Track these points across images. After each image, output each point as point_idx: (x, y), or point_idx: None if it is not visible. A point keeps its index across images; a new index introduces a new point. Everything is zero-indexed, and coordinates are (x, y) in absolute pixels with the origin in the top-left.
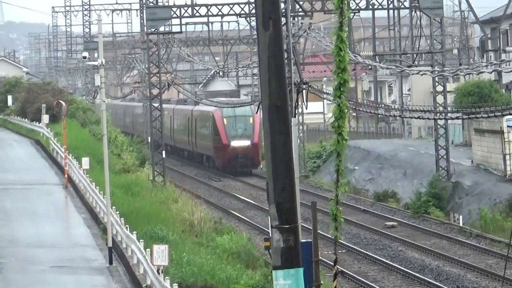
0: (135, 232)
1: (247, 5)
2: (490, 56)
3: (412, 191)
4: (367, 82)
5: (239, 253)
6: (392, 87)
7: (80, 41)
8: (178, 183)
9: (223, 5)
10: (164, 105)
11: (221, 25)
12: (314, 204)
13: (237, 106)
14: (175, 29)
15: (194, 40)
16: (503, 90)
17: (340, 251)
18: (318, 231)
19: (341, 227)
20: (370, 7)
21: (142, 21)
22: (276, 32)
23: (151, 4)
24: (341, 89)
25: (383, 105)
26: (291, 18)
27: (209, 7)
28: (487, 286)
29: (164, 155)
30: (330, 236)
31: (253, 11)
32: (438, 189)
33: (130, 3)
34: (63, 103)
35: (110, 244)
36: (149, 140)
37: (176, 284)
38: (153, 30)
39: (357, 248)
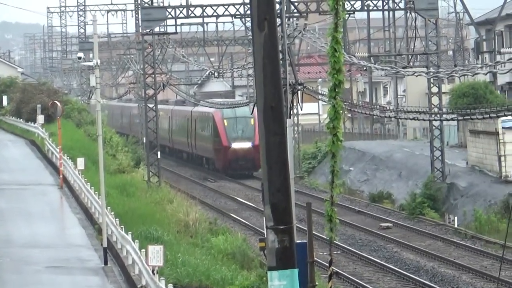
0: (130, 232)
1: (242, 6)
2: (485, 57)
3: (407, 192)
4: (362, 83)
5: (234, 254)
6: (387, 88)
7: (75, 42)
8: (173, 183)
9: (218, 5)
10: (162, 106)
11: (216, 26)
12: (309, 205)
13: (237, 106)
14: (170, 29)
15: (189, 41)
16: (498, 92)
17: (335, 252)
18: (313, 232)
19: (336, 228)
20: (365, 8)
21: (137, 21)
22: (271, 33)
23: (146, 4)
24: (336, 90)
25: (378, 106)
26: (286, 19)
27: (204, 7)
28: (482, 287)
29: (159, 156)
30: (325, 237)
31: (248, 12)
32: (433, 190)
33: (125, 4)
34: (58, 104)
35: (105, 244)
36: (144, 141)
37: (171, 285)
38: (148, 30)
39: (352, 249)
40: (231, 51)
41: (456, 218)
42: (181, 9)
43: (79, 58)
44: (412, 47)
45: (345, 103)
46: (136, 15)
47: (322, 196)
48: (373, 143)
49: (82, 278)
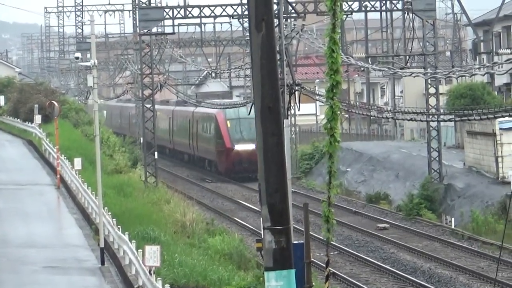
0: (127, 232)
1: (239, 7)
2: (483, 58)
3: (404, 193)
4: (360, 84)
5: (231, 254)
6: (384, 89)
7: (73, 42)
8: (171, 184)
9: (215, 6)
10: (163, 107)
11: (214, 26)
12: (306, 205)
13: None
14: (168, 30)
15: (187, 41)
16: (496, 93)
17: (332, 253)
18: (310, 232)
19: (333, 228)
20: (363, 9)
21: (134, 22)
22: (268, 33)
23: (143, 5)
24: (334, 91)
25: (375, 107)
26: (284, 20)
27: (201, 8)
28: None
29: (156, 156)
30: (322, 238)
31: (246, 12)
32: (430, 191)
33: (122, 4)
34: (56, 104)
35: (102, 244)
36: (142, 141)
37: (168, 285)
38: (145, 31)
39: (349, 250)
40: (228, 52)
41: (453, 219)
42: (178, 9)
43: (77, 58)
44: (410, 48)
45: (343, 104)
46: (134, 16)
47: (319, 196)
48: (370, 144)
49: (79, 278)
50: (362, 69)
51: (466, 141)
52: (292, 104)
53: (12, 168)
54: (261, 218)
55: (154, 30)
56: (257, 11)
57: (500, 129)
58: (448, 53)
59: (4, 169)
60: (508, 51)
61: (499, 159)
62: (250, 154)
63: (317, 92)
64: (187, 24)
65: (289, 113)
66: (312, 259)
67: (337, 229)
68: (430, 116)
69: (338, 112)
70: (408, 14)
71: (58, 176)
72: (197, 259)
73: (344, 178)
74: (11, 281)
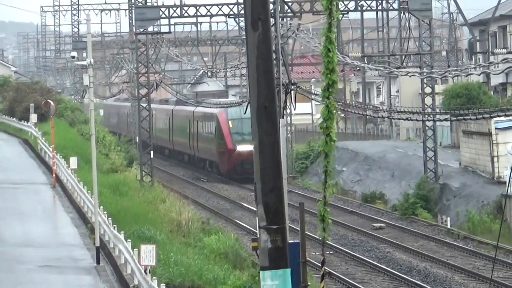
0: (122, 232)
1: (236, 6)
2: (479, 58)
3: (400, 193)
4: (356, 83)
5: (226, 254)
6: (380, 88)
7: (69, 41)
8: (166, 183)
9: (212, 5)
10: (162, 106)
11: (210, 26)
12: (302, 205)
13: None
14: (164, 29)
15: (183, 40)
16: (492, 92)
17: (327, 252)
18: (306, 232)
19: (329, 228)
20: (359, 8)
21: (130, 21)
22: (264, 32)
23: (139, 4)
24: (330, 90)
25: (371, 106)
26: (280, 19)
27: (198, 7)
28: (475, 287)
29: (152, 155)
30: (317, 237)
31: (242, 11)
32: (426, 191)
33: (119, 3)
34: (52, 103)
35: (97, 243)
36: (137, 140)
37: (164, 284)
38: (141, 30)
39: (345, 249)
40: (224, 51)
41: (448, 218)
42: (174, 8)
43: (73, 57)
44: (406, 48)
45: (339, 103)
46: (130, 15)
47: (314, 196)
48: (366, 143)
49: (75, 277)
50: (358, 68)
51: (462, 141)
52: (288, 104)
53: (8, 167)
54: (256, 217)
55: (150, 29)
56: (253, 10)
57: (496, 128)
58: (444, 53)
59: (0, 168)
60: (504, 50)
61: (495, 159)
62: (253, 155)
63: (313, 92)
64: (183, 23)
65: (285, 113)
66: (308, 259)
67: (332, 229)
68: (426, 116)
69: (334, 111)
70: (404, 13)
71: (54, 175)
72: (192, 258)
73: (340, 178)
74: (7, 280)
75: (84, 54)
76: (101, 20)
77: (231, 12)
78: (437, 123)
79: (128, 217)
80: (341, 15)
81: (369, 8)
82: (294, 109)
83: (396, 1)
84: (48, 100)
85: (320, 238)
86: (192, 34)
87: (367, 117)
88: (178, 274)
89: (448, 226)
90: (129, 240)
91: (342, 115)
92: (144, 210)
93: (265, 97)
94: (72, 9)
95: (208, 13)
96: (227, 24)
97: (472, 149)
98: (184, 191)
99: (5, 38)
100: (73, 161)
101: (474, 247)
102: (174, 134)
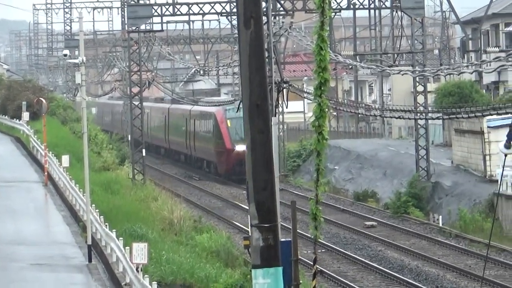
0: (114, 230)
1: (228, 4)
2: (471, 56)
3: (392, 191)
4: (348, 82)
5: (218, 252)
6: (372, 86)
7: (61, 39)
8: (158, 181)
9: (204, 3)
10: (158, 104)
11: (202, 24)
12: (293, 203)
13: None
14: (156, 27)
15: (175, 39)
16: (484, 91)
17: (319, 251)
18: (298, 230)
19: (321, 226)
20: (352, 6)
21: (123, 19)
22: (257, 31)
23: (132, 2)
24: (322, 88)
25: (363, 105)
26: (272, 17)
27: (190, 5)
28: (466, 286)
29: (144, 153)
30: (309, 236)
31: (234, 9)
32: (418, 189)
33: (111, 1)
34: (44, 101)
35: (89, 242)
36: (129, 138)
37: (155, 283)
38: (134, 28)
39: (337, 248)
40: (217, 49)
41: (440, 217)
42: (167, 6)
43: (65, 55)
44: (398, 46)
45: (331, 102)
46: (122, 13)
47: (306, 194)
48: (358, 142)
49: (67, 275)
50: (350, 67)
51: (454, 139)
52: (280, 102)
53: (0, 165)
54: (248, 216)
55: (142, 27)
56: (245, 8)
57: (488, 127)
58: (436, 51)
59: None
60: (496, 49)
61: (487, 157)
62: None
63: (305, 90)
64: (176, 22)
65: (277, 111)
66: (300, 257)
67: (324, 227)
68: (418, 114)
69: (326, 109)
70: (396, 12)
71: (46, 173)
72: (184, 256)
73: (332, 176)
74: None
75: (77, 52)
76: (93, 18)
77: (224, 10)
78: (429, 121)
79: (120, 215)
80: (333, 13)
81: (361, 6)
82: (286, 108)
83: (389, 0)
84: (40, 98)
85: (312, 237)
86: (184, 32)
87: (359, 115)
88: (170, 272)
89: (440, 225)
90: (121, 238)
91: (335, 113)
92: (136, 208)
93: (257, 95)
94: (65, 7)
95: (201, 11)
96: (219, 22)
97: (464, 148)
98: (176, 190)
99: None
100: (65, 159)
101: (466, 245)
102: (170, 133)
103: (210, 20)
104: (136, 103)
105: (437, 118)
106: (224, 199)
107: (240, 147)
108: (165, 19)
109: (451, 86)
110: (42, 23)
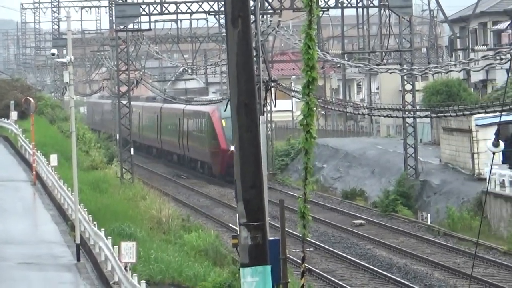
0: (103, 229)
1: (216, 3)
2: (459, 55)
3: (380, 190)
4: (336, 80)
5: (206, 251)
6: (360, 85)
7: (49, 38)
8: (146, 180)
9: (192, 2)
10: (149, 104)
11: (190, 23)
12: (282, 202)
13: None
14: (144, 26)
15: (163, 38)
16: (472, 89)
17: (308, 249)
18: (286, 228)
19: (309, 225)
20: (339, 5)
21: (111, 18)
22: (245, 29)
23: (120, 1)
24: (310, 87)
25: (351, 103)
26: (260, 16)
27: (178, 4)
28: (455, 284)
29: (132, 152)
30: (298, 234)
31: (222, 8)
32: (406, 188)
33: (99, 0)
34: (32, 100)
35: (78, 241)
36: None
37: (144, 281)
38: (122, 27)
39: (325, 246)
40: (205, 48)
41: (429, 215)
42: (155, 5)
43: (53, 54)
44: (386, 45)
45: (319, 100)
46: (110, 12)
47: (295, 193)
48: (346, 140)
49: (55, 274)
50: (338, 65)
51: (442, 138)
52: (268, 101)
53: None
54: (237, 214)
55: (130, 26)
56: (233, 7)
57: (476, 125)
58: (424, 50)
59: None
60: (484, 47)
61: (475, 156)
62: None
63: (293, 89)
64: (164, 21)
65: (265, 110)
66: (288, 255)
67: (313, 226)
68: (406, 113)
69: (314, 108)
70: (384, 10)
71: (34, 172)
72: (173, 255)
73: (320, 175)
74: None
75: (64, 51)
76: (81, 17)
77: (211, 9)
78: (418, 120)
79: (108, 214)
80: (321, 12)
81: (349, 5)
82: (275, 106)
83: None
84: (28, 98)
85: (301, 235)
86: (172, 31)
87: (348, 114)
88: (158, 271)
89: (429, 223)
90: (109, 237)
91: (323, 112)
92: (125, 207)
93: (245, 94)
94: (52, 6)
95: (189, 10)
96: (207, 21)
97: (453, 146)
98: (165, 188)
99: None
100: (53, 158)
101: (454, 243)
102: (162, 133)
103: (198, 19)
104: (125, 102)
105: (425, 116)
106: (213, 198)
107: None
108: (153, 18)
109: (439, 84)
110: (30, 22)
